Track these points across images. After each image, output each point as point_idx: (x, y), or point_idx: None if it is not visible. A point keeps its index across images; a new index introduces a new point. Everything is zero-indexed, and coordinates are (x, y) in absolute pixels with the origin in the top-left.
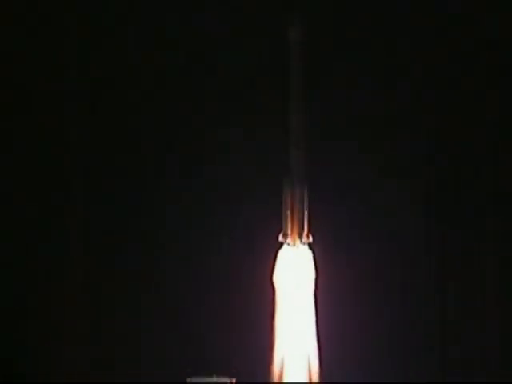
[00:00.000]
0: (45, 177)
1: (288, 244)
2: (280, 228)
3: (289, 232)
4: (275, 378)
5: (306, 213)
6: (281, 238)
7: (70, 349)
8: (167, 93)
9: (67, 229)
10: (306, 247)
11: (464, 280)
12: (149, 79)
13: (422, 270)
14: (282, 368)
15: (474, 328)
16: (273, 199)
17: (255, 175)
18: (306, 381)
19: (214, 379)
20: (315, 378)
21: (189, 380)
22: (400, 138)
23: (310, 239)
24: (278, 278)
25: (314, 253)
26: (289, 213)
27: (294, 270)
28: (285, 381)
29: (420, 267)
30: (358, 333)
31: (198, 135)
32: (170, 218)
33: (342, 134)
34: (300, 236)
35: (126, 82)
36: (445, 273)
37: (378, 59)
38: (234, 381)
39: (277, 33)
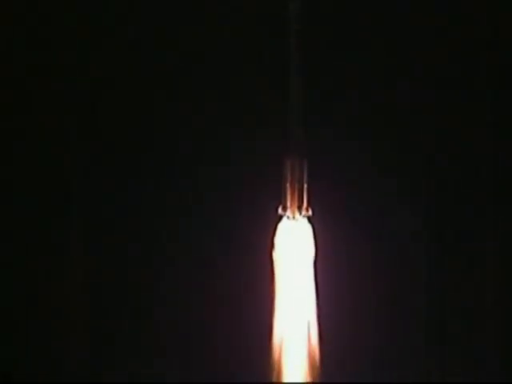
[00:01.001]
0: (45, 177)
1: (287, 217)
2: (279, 201)
3: (288, 205)
4: (274, 353)
5: (305, 186)
6: (280, 211)
7: (69, 349)
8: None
9: (67, 229)
10: (306, 220)
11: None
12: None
13: (422, 243)
14: (281, 342)
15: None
16: (272, 172)
17: (255, 148)
18: (306, 355)
19: None
20: (315, 352)
21: None
22: (400, 113)
23: (310, 213)
24: (277, 250)
25: (313, 226)
26: (288, 185)
27: (294, 243)
28: (284, 356)
29: (420, 241)
30: (358, 307)
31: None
32: (169, 194)
33: (343, 105)
34: (299, 209)
35: (126, 81)
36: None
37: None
38: None
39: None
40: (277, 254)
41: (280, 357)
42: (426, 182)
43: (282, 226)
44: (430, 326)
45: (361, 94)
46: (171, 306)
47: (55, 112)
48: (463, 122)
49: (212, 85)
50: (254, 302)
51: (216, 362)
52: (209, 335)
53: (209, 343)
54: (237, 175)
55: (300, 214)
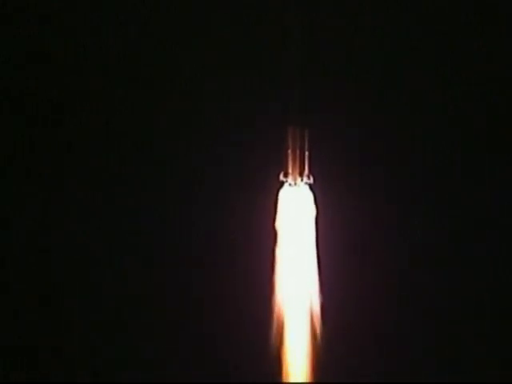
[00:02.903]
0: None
1: (289, 184)
2: (281, 167)
3: (290, 171)
4: (276, 321)
5: (306, 153)
6: (282, 177)
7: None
8: None
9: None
10: (307, 187)
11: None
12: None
13: (421, 207)
14: (283, 309)
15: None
16: (274, 138)
17: (255, 116)
18: (307, 321)
19: None
20: (316, 319)
21: None
22: (400, 82)
23: (311, 180)
24: (279, 216)
25: (314, 194)
26: (290, 152)
27: (296, 208)
28: (286, 324)
29: (420, 206)
30: (357, 270)
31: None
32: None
33: (343, 73)
34: (301, 175)
35: (123, 77)
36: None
37: None
38: None
39: None
40: (279, 220)
41: (282, 318)
42: (425, 150)
43: (284, 193)
44: (427, 283)
45: (362, 64)
46: (175, 272)
47: (54, 110)
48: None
49: (213, 54)
50: (257, 266)
51: (218, 324)
52: (212, 299)
53: (211, 308)
54: (239, 143)
55: (301, 180)
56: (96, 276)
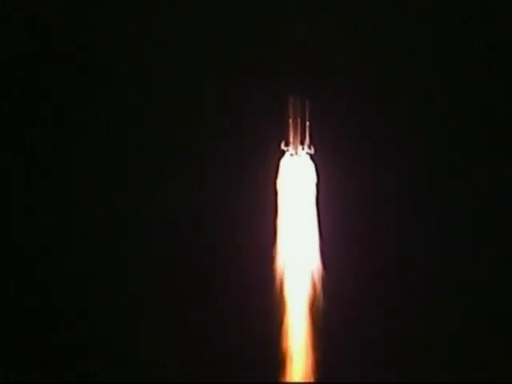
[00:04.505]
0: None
1: (291, 154)
2: (282, 137)
3: (291, 140)
4: (277, 285)
5: (307, 123)
6: (283, 146)
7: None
8: None
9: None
10: (308, 157)
11: None
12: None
13: (422, 178)
14: (283, 273)
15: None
16: (275, 108)
17: (256, 85)
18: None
19: None
20: (317, 284)
21: None
22: (401, 51)
23: (312, 150)
24: (280, 184)
25: (315, 164)
26: (291, 121)
27: (297, 177)
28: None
29: (420, 177)
30: (358, 244)
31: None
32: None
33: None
34: (302, 144)
35: (123, 77)
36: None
37: None
38: None
39: None
40: (280, 188)
41: (282, 286)
42: (424, 118)
43: (285, 162)
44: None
45: (363, 36)
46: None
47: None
48: None
49: (213, 28)
50: (258, 235)
51: (219, 290)
52: (214, 269)
53: (213, 277)
54: (239, 112)
55: (302, 149)
56: (96, 275)
